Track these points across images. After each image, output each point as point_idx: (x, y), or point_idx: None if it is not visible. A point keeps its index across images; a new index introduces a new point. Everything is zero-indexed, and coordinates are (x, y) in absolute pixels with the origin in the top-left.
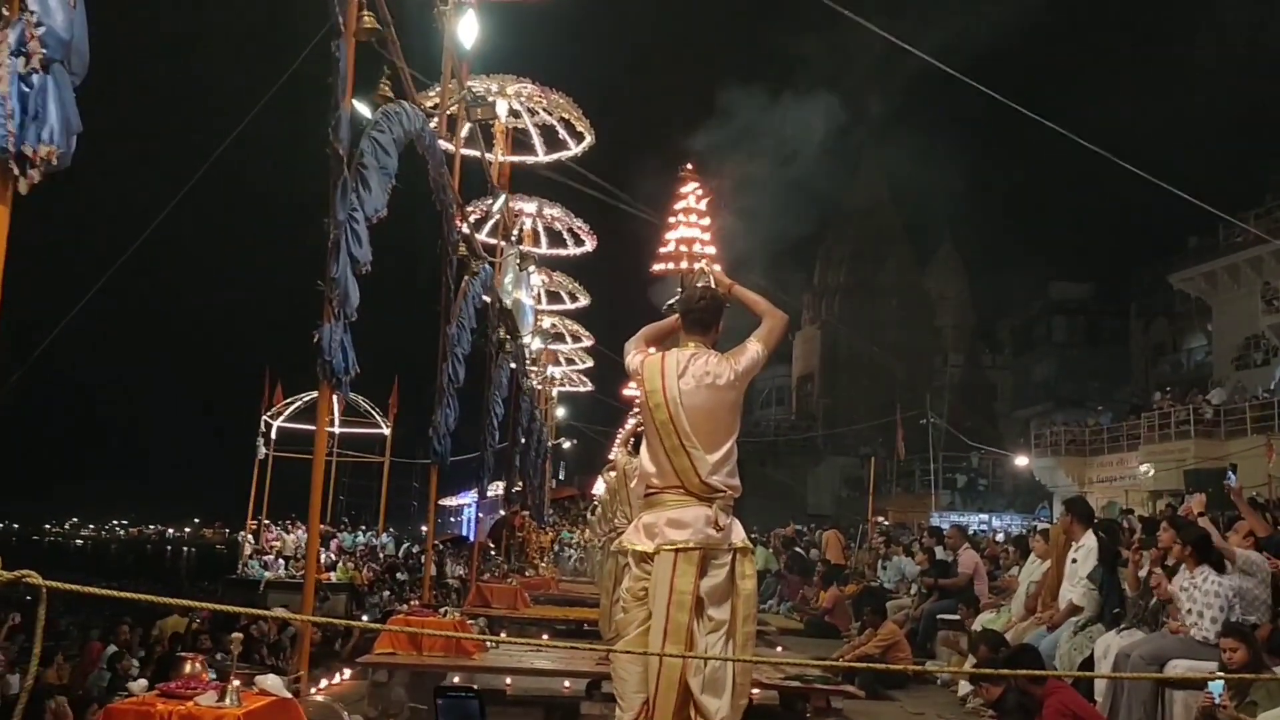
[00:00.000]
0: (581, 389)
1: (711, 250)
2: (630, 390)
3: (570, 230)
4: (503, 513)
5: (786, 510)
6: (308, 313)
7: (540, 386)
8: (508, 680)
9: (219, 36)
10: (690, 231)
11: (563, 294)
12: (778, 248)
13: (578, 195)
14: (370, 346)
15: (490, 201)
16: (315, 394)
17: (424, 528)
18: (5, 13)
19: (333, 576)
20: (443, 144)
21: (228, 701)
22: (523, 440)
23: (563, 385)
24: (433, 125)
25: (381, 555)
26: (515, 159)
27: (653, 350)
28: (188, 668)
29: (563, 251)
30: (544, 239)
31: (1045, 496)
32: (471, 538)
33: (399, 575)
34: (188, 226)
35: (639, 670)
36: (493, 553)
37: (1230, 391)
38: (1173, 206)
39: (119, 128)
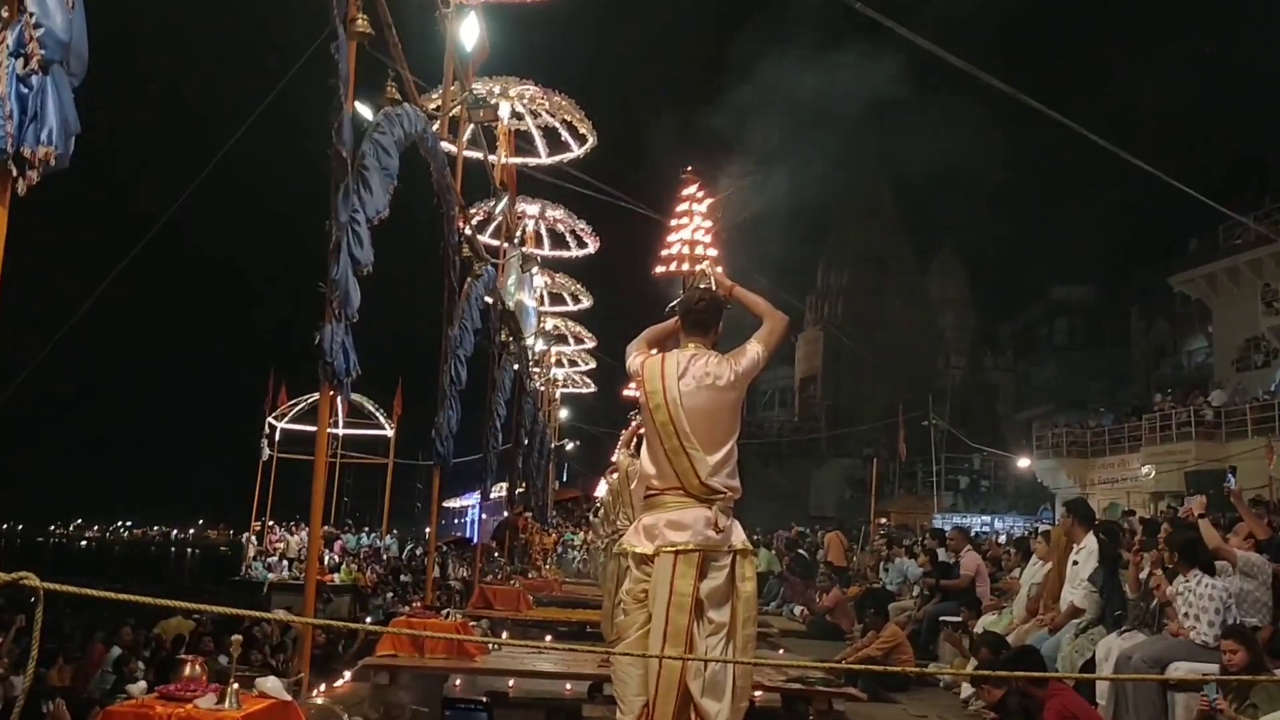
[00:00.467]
0: (584, 390)
1: (714, 252)
2: (631, 392)
3: (573, 232)
4: (506, 514)
5: (789, 512)
6: (312, 314)
7: (543, 388)
8: (510, 682)
9: (219, 37)
10: (692, 233)
11: (565, 296)
12: (780, 249)
13: (580, 197)
14: (375, 348)
15: (493, 203)
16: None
17: (427, 529)
18: (4, 14)
19: (336, 578)
20: (445, 146)
21: (227, 704)
22: (526, 442)
23: (566, 387)
24: (435, 127)
25: (385, 557)
26: (518, 160)
27: (654, 352)
28: (187, 670)
29: (566, 253)
30: (547, 241)
31: (1047, 498)
32: (475, 539)
33: (402, 577)
34: (192, 227)
35: (639, 673)
36: (496, 554)
37: (1231, 393)
38: (1173, 207)
39: (120, 129)
